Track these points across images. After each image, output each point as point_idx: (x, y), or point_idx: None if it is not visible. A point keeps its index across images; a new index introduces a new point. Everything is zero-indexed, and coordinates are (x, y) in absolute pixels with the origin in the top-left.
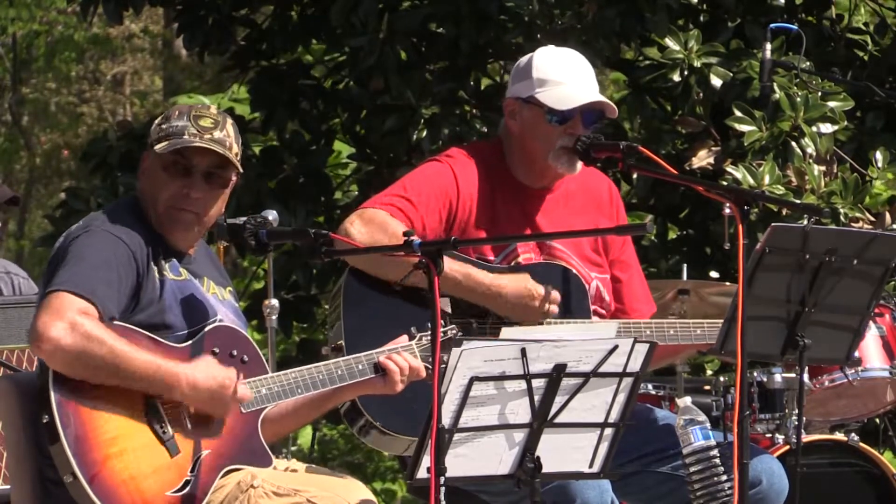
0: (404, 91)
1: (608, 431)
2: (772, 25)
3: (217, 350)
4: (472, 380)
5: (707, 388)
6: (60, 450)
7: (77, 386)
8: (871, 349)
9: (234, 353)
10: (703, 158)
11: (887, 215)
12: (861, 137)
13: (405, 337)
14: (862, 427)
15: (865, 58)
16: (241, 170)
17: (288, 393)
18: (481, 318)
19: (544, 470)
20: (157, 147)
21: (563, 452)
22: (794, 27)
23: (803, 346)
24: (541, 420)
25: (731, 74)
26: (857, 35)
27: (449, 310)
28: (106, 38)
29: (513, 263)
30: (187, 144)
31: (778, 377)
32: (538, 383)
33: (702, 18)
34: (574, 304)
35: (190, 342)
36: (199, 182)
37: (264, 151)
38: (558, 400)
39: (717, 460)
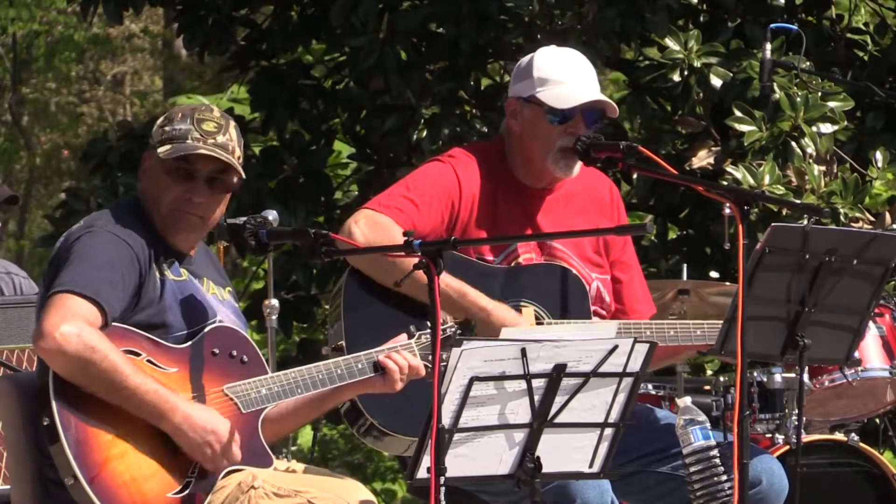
0: (404, 91)
1: (608, 431)
2: (772, 25)
3: (217, 350)
4: (472, 380)
5: (707, 388)
6: (61, 451)
7: (78, 388)
8: (871, 349)
9: (234, 353)
10: (703, 158)
11: (887, 215)
12: (861, 137)
13: (404, 336)
14: (862, 427)
15: (865, 58)
16: (243, 176)
17: (288, 393)
18: None
19: (544, 470)
20: (161, 150)
21: (563, 452)
22: (794, 27)
23: (803, 346)
24: (541, 420)
25: (731, 74)
26: (857, 35)
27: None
28: (106, 38)
29: (513, 264)
30: (191, 151)
31: (778, 377)
32: (538, 383)
33: (702, 18)
34: (574, 305)
35: (189, 343)
36: (202, 187)
37: (264, 151)
38: (558, 400)
39: (717, 460)
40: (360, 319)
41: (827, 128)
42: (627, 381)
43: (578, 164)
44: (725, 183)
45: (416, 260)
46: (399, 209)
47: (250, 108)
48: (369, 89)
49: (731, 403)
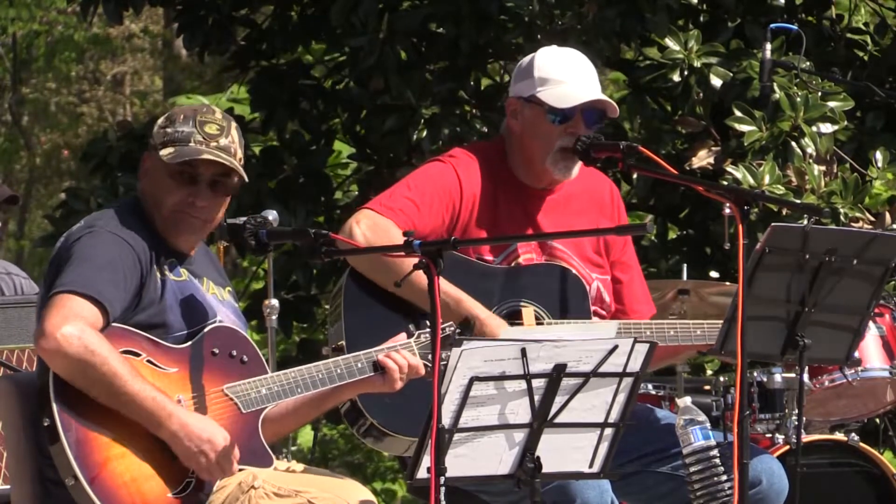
0: (404, 91)
1: (608, 431)
2: (772, 25)
3: (217, 350)
4: (472, 380)
5: (707, 388)
6: (61, 451)
7: (78, 388)
8: (871, 349)
9: (234, 353)
10: (703, 158)
11: (887, 215)
12: (861, 137)
13: (403, 335)
14: (862, 427)
15: (865, 58)
16: (246, 179)
17: (288, 392)
18: None
19: (544, 470)
20: (163, 153)
21: (563, 452)
22: (794, 27)
23: (803, 346)
24: (541, 420)
25: (731, 74)
26: (857, 35)
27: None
28: (106, 38)
29: (513, 264)
30: (195, 157)
31: (778, 377)
32: (538, 383)
33: (702, 18)
34: (573, 305)
35: (189, 343)
36: (205, 191)
37: (264, 151)
38: (558, 400)
39: (717, 460)
40: (360, 319)
41: (827, 128)
42: (627, 381)
43: (577, 167)
44: (725, 183)
45: (415, 262)
46: (400, 210)
47: (250, 108)
48: (369, 89)
49: (731, 403)
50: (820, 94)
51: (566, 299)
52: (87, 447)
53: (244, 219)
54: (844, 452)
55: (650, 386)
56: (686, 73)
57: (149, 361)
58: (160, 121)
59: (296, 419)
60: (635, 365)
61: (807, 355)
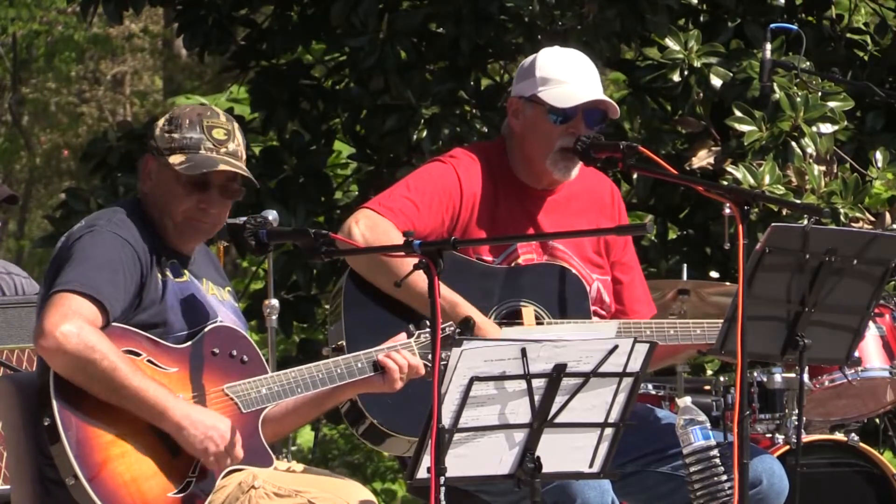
0: (404, 91)
1: (608, 431)
2: (772, 25)
3: (217, 350)
4: (473, 380)
5: (707, 388)
6: (61, 450)
7: (78, 387)
8: (871, 349)
9: (234, 353)
10: (703, 158)
11: (887, 215)
12: (861, 137)
13: (403, 335)
14: (862, 427)
15: (865, 58)
16: (258, 185)
17: (288, 392)
18: None
19: (544, 470)
20: (174, 161)
21: (564, 452)
22: (794, 27)
23: (803, 346)
24: (541, 420)
25: (731, 74)
26: (857, 35)
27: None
28: (106, 38)
29: (513, 264)
30: (213, 168)
31: (778, 377)
32: (538, 383)
33: (702, 18)
34: (573, 305)
35: (189, 343)
36: (216, 197)
37: (264, 151)
38: (558, 400)
39: (717, 460)
40: (360, 319)
41: (827, 128)
42: (627, 381)
43: (577, 167)
44: (725, 183)
45: (414, 263)
46: (399, 210)
47: (250, 108)
48: (369, 89)
49: (731, 403)
50: (820, 94)
51: (566, 299)
52: (87, 446)
53: (244, 219)
54: (844, 452)
55: (650, 386)
56: (686, 73)
57: (149, 361)
58: (162, 124)
59: (296, 419)
60: (635, 365)
61: (807, 355)
